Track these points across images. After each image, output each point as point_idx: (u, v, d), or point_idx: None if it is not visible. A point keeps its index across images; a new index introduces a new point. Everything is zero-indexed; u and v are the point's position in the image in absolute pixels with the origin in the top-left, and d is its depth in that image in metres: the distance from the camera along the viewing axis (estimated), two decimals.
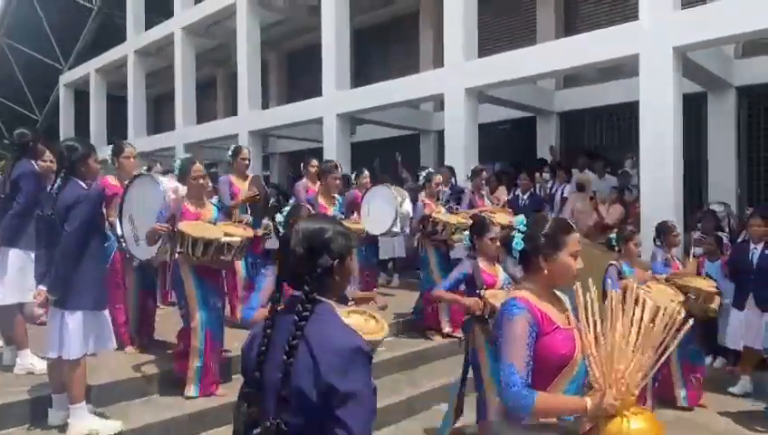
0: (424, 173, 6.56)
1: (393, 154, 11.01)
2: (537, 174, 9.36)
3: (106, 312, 3.68)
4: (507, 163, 11.22)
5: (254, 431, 1.51)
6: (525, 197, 8.49)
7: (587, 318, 1.96)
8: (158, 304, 5.59)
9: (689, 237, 7.04)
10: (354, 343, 1.51)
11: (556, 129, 11.07)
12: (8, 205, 4.17)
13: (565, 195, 8.55)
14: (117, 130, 18.04)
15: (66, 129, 19.56)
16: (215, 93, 18.94)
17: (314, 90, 11.71)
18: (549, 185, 9.06)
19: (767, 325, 5.26)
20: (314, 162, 6.91)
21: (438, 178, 6.58)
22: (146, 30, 16.30)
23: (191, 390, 4.15)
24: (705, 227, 6.74)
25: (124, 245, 4.47)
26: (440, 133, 10.82)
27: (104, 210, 4.26)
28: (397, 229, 6.43)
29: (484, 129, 9.56)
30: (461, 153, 8.85)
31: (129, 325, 4.85)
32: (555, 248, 2.00)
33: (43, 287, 3.46)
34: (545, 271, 2.01)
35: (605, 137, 10.83)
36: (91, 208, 3.54)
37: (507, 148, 12.02)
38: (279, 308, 1.61)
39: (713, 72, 8.23)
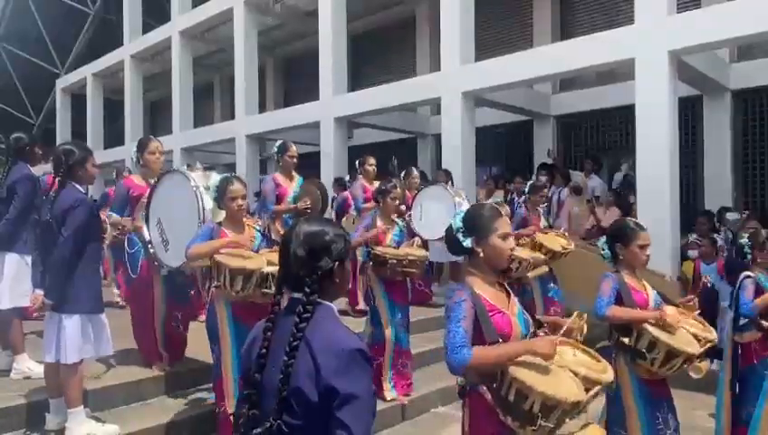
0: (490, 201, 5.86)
1: (390, 157, 11.02)
2: (534, 178, 9.36)
3: (103, 315, 3.66)
4: (503, 167, 11.24)
5: (255, 432, 1.51)
6: (521, 200, 8.48)
7: None
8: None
9: (685, 240, 7.08)
10: (355, 345, 1.52)
11: (553, 132, 11.11)
12: (4, 209, 4.16)
13: (562, 198, 8.57)
14: (114, 134, 18.05)
15: (63, 133, 19.54)
16: (212, 98, 18.94)
17: (311, 94, 11.72)
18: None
19: None
20: (372, 160, 6.36)
21: (506, 209, 5.64)
22: (143, 34, 16.32)
23: None
24: (700, 230, 6.76)
25: (152, 251, 4.11)
26: (437, 137, 10.84)
27: (104, 214, 4.27)
28: None
29: (480, 132, 9.58)
30: (458, 157, 8.87)
31: (159, 341, 4.42)
32: None
33: (39, 292, 3.46)
34: None
35: (601, 140, 10.87)
36: (88, 212, 3.55)
37: (504, 151, 12.06)
38: (279, 310, 1.62)
39: (708, 76, 8.26)
